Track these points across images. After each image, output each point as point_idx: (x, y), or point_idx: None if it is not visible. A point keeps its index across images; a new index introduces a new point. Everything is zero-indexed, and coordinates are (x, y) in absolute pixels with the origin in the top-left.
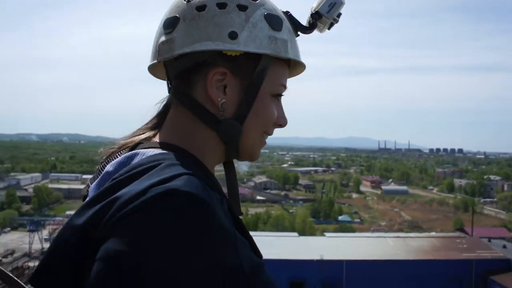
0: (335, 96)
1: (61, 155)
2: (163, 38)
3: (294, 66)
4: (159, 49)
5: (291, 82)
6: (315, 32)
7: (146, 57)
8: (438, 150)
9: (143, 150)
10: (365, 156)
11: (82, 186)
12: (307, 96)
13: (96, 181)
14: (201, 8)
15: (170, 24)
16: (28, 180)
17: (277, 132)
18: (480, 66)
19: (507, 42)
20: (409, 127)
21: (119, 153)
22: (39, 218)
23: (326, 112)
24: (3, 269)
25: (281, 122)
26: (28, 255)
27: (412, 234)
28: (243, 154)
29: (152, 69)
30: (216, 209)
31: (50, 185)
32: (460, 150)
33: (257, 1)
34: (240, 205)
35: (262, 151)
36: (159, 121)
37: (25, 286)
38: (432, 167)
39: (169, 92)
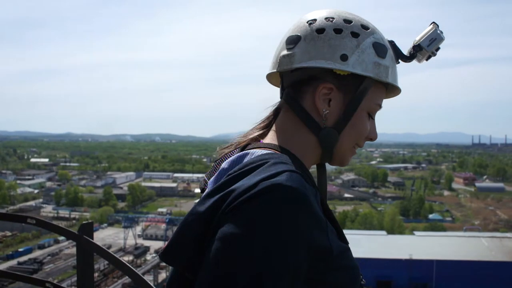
0: (425, 90)
1: (154, 155)
2: (284, 52)
3: (391, 90)
4: (280, 61)
5: None
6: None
7: (238, 58)
8: None
9: (252, 150)
10: (457, 151)
11: (174, 184)
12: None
13: (214, 176)
14: (320, 31)
15: (292, 41)
16: (123, 179)
17: None
18: None
19: None
20: (506, 121)
21: (231, 152)
22: (133, 215)
23: (415, 107)
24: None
25: (372, 136)
26: (123, 250)
27: (508, 234)
28: (336, 159)
29: (269, 77)
30: (312, 200)
31: (143, 184)
32: None
33: (368, 30)
34: (327, 200)
35: None
36: (269, 123)
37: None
38: None
39: (281, 98)
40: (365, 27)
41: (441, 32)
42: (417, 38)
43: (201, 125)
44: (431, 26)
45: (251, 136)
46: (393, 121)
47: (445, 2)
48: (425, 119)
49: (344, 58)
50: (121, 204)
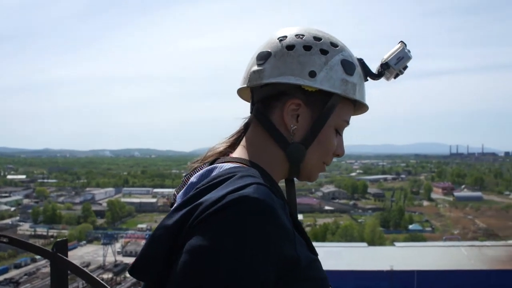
0: (402, 101)
1: (133, 170)
2: (255, 68)
3: (359, 107)
4: (250, 76)
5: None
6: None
7: (216, 72)
8: None
9: (220, 164)
10: (435, 162)
11: (154, 200)
12: (373, 103)
13: (183, 190)
14: (290, 47)
15: (262, 57)
16: (102, 195)
17: (345, 141)
18: None
19: None
20: (482, 130)
21: (201, 166)
22: (112, 232)
23: (393, 118)
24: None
25: (339, 152)
26: (102, 268)
27: (487, 243)
28: (303, 174)
29: (240, 92)
30: (279, 212)
31: (122, 199)
32: None
33: (337, 48)
34: (297, 214)
35: None
36: (238, 137)
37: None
38: (508, 171)
39: (251, 113)
40: (334, 44)
41: (409, 51)
42: (385, 57)
43: (181, 140)
44: (399, 45)
45: (220, 150)
46: (372, 132)
47: (425, 14)
48: (403, 130)
49: (312, 74)
50: (100, 221)
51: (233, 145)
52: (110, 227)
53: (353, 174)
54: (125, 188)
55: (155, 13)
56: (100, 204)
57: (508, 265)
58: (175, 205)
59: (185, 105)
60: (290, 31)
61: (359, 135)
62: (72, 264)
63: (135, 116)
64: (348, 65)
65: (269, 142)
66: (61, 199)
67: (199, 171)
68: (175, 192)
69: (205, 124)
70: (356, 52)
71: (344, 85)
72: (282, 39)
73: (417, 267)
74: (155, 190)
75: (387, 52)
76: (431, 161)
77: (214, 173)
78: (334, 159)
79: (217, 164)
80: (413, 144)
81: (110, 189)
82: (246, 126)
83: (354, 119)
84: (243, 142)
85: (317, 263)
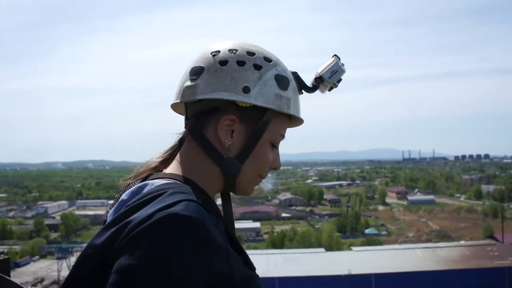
0: (355, 109)
1: (87, 182)
2: (188, 83)
3: (294, 120)
4: (183, 92)
5: (311, 97)
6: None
7: (168, 82)
8: (464, 156)
9: (152, 181)
10: (389, 167)
11: None
12: (327, 110)
13: (113, 208)
14: (223, 62)
15: (196, 72)
16: (56, 208)
17: (300, 148)
18: (502, 69)
19: None
20: (433, 136)
21: (133, 183)
22: (67, 246)
23: (347, 125)
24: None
25: (275, 165)
26: (57, 283)
27: (441, 244)
28: (239, 189)
29: (174, 106)
30: (210, 228)
31: (77, 212)
32: (487, 156)
33: (271, 63)
34: (234, 228)
35: (286, 167)
36: (173, 152)
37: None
38: (458, 174)
39: (185, 128)
40: (267, 59)
41: (343, 65)
42: (319, 70)
43: (136, 151)
44: (333, 58)
45: (153, 166)
46: (327, 139)
47: (374, 23)
48: (357, 136)
49: (246, 90)
50: (53, 235)
51: (166, 161)
52: (64, 241)
53: (309, 181)
54: (79, 201)
55: (108, 24)
56: (53, 218)
57: (461, 265)
58: (107, 222)
59: (140, 116)
60: (223, 46)
61: (314, 142)
62: (15, 284)
63: (88, 127)
64: (282, 80)
65: (204, 157)
66: (11, 213)
67: (131, 187)
68: (108, 209)
69: (161, 135)
70: (305, 62)
71: (278, 100)
72: (215, 54)
73: (374, 271)
74: (110, 202)
75: (322, 65)
76: (385, 167)
77: (145, 190)
78: (289, 166)
79: (149, 181)
80: (367, 150)
81: (64, 202)
82: (181, 142)
83: (309, 127)
84: (177, 157)
85: (254, 278)
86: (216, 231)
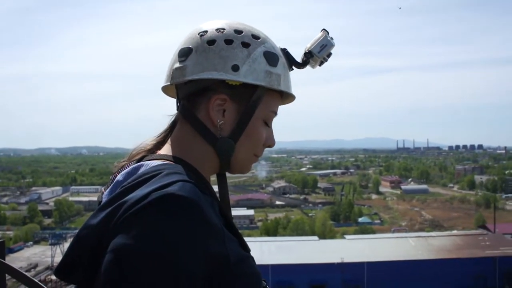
0: (350, 97)
1: (81, 168)
2: (177, 65)
3: (286, 97)
4: (173, 74)
5: (307, 85)
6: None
7: (162, 69)
8: (457, 147)
9: (147, 161)
10: (383, 156)
11: None
12: (323, 99)
13: (108, 188)
14: (211, 42)
15: (184, 53)
16: (49, 194)
17: (295, 136)
18: (497, 60)
19: None
20: (427, 125)
21: (128, 164)
22: (60, 232)
23: (342, 114)
24: (13, 266)
25: (270, 143)
26: (51, 269)
27: (433, 234)
28: (235, 168)
29: (165, 89)
30: (205, 209)
31: (70, 198)
32: (480, 146)
33: (259, 40)
34: (230, 210)
35: (280, 155)
36: (167, 135)
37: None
38: (451, 164)
39: (177, 110)
40: (255, 36)
41: (332, 39)
42: (308, 45)
43: (130, 137)
44: (321, 33)
45: (147, 148)
46: (322, 128)
47: (372, 12)
48: (352, 125)
49: (235, 68)
50: (47, 221)
51: (161, 143)
52: (58, 227)
53: (303, 169)
54: (73, 187)
55: (105, 9)
56: (47, 204)
57: (453, 254)
58: (102, 202)
59: (135, 102)
60: (210, 26)
61: (309, 130)
62: (10, 267)
63: (82, 113)
64: (271, 57)
65: (197, 138)
66: (5, 199)
67: (126, 169)
68: (103, 190)
69: (155, 121)
70: (301, 51)
71: (268, 76)
72: (202, 34)
73: (367, 259)
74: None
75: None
76: (379, 156)
77: (140, 171)
78: (284, 154)
79: (144, 162)
80: (362, 139)
81: (57, 188)
82: (173, 124)
83: (304, 115)
84: (171, 139)
85: (249, 259)
86: (211, 211)
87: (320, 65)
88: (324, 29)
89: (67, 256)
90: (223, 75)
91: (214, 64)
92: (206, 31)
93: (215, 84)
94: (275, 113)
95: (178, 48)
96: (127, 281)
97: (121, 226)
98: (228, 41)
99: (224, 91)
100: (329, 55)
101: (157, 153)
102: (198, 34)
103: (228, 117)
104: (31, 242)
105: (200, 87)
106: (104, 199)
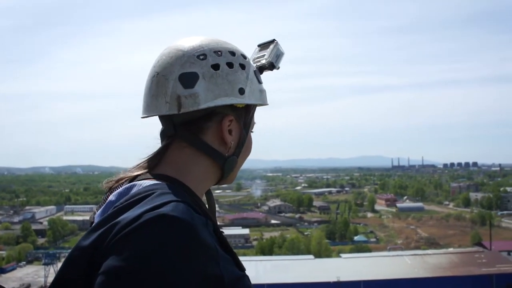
0: (345, 116)
1: (75, 187)
2: (184, 92)
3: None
4: (182, 102)
5: (303, 103)
6: (332, 52)
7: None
8: (452, 164)
9: (140, 181)
10: (378, 174)
11: None
12: (317, 117)
13: (101, 209)
14: (216, 67)
15: (189, 79)
16: (43, 213)
17: (290, 155)
18: (491, 78)
19: None
20: (422, 143)
21: (120, 185)
22: (54, 251)
23: (337, 132)
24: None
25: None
26: None
27: (429, 251)
28: (230, 179)
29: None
30: (199, 229)
31: (64, 217)
32: (475, 164)
33: (247, 60)
34: (216, 219)
35: (275, 174)
36: (160, 156)
37: None
38: (447, 182)
39: (165, 134)
40: (244, 56)
41: (281, 48)
42: (266, 56)
43: (125, 156)
44: (274, 43)
45: (140, 168)
46: (316, 146)
47: (363, 32)
48: (346, 143)
49: (241, 91)
50: (41, 240)
51: (154, 164)
52: (51, 246)
53: (298, 187)
54: (67, 206)
55: (100, 28)
56: (41, 223)
57: (449, 272)
58: (94, 223)
59: (130, 121)
60: (205, 46)
61: (304, 149)
62: (2, 287)
63: (77, 132)
64: (258, 74)
65: (200, 159)
66: None
67: (119, 189)
68: (95, 210)
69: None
70: (298, 70)
71: (261, 94)
72: (202, 57)
73: (363, 278)
74: None
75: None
76: (374, 174)
77: (133, 191)
78: (279, 173)
79: (137, 182)
80: (357, 158)
81: (51, 207)
82: (166, 148)
83: (299, 134)
84: (167, 161)
85: (244, 278)
86: (206, 232)
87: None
88: (274, 39)
89: (59, 276)
90: (233, 99)
91: (224, 90)
92: (205, 55)
93: (222, 107)
94: (255, 122)
95: (171, 72)
96: None
97: (113, 247)
98: (230, 64)
99: (231, 113)
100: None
101: (150, 173)
102: (197, 57)
103: (234, 136)
104: (24, 262)
105: (207, 112)
106: (96, 219)
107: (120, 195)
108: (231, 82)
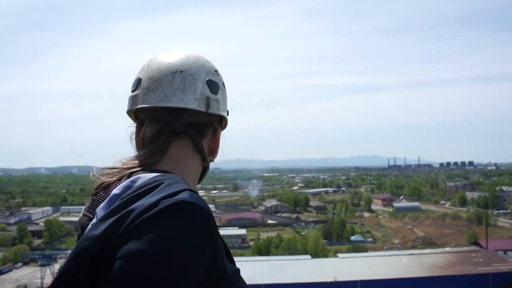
0: (341, 116)
1: (72, 188)
2: (212, 96)
3: None
4: (211, 104)
5: (298, 103)
6: (330, 49)
7: None
8: (448, 164)
9: (143, 174)
10: (375, 174)
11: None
12: (314, 117)
13: (105, 201)
14: (223, 85)
15: (215, 88)
16: (39, 214)
17: (286, 155)
18: (486, 77)
19: None
20: (418, 143)
21: (116, 182)
22: (50, 252)
23: (333, 132)
24: None
25: None
26: None
27: (426, 251)
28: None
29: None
30: (213, 218)
31: (61, 218)
32: (471, 163)
33: (220, 75)
34: None
35: (271, 174)
36: (162, 154)
37: None
38: (443, 181)
39: (173, 130)
40: (219, 73)
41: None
42: None
43: (122, 157)
44: None
45: (137, 163)
46: (313, 146)
47: (359, 31)
48: (343, 143)
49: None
50: (37, 241)
51: (155, 160)
52: (48, 247)
53: (295, 187)
54: (63, 207)
55: (97, 28)
56: (37, 224)
57: (446, 271)
58: (97, 217)
59: (128, 121)
60: (210, 65)
61: (300, 149)
62: None
63: (73, 132)
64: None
65: (196, 161)
66: None
67: (123, 183)
68: (85, 212)
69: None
70: (301, 68)
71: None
72: (218, 73)
73: (360, 277)
74: None
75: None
76: (371, 174)
77: (138, 183)
78: (275, 173)
79: (140, 175)
80: (353, 157)
81: (48, 208)
82: (167, 144)
83: (295, 134)
84: (169, 157)
85: (239, 273)
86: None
87: None
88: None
89: (64, 271)
90: (225, 113)
91: (226, 105)
92: (216, 71)
93: (217, 118)
94: None
95: (199, 74)
96: (142, 285)
97: (132, 233)
98: (223, 84)
99: (218, 126)
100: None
101: (152, 168)
102: (215, 71)
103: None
104: (21, 264)
105: (210, 119)
106: (100, 212)
107: (125, 188)
108: (226, 98)
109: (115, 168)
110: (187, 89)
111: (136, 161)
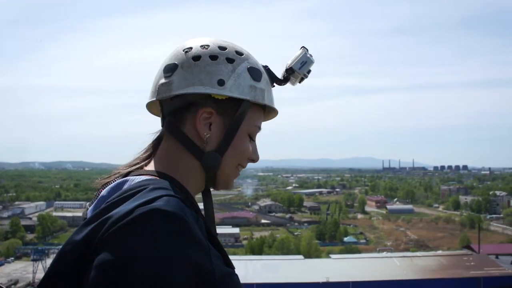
0: (338, 117)
1: (66, 183)
2: (162, 80)
3: (269, 112)
4: (159, 90)
5: (295, 104)
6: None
7: (148, 84)
8: (442, 167)
9: (132, 177)
10: (369, 176)
11: None
12: (310, 118)
13: (93, 204)
14: (196, 58)
15: (169, 69)
16: (33, 209)
17: (281, 155)
18: (481, 81)
19: None
20: (413, 146)
21: (113, 180)
22: (43, 247)
23: (329, 133)
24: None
25: (254, 157)
26: (32, 285)
27: (418, 253)
28: (219, 183)
29: (149, 106)
30: (191, 224)
31: (54, 213)
32: (465, 167)
33: (243, 56)
34: (215, 227)
35: (266, 174)
36: (152, 151)
37: None
38: (437, 184)
39: (162, 126)
40: (239, 53)
41: (311, 56)
42: (289, 62)
43: (116, 153)
44: (301, 50)
45: (132, 164)
46: (308, 147)
47: (359, 33)
48: (338, 144)
49: (221, 83)
50: (30, 236)
51: (146, 159)
52: (40, 242)
53: (289, 187)
54: (57, 202)
55: (93, 24)
56: (30, 219)
57: (438, 274)
58: (87, 218)
59: (121, 117)
60: (195, 43)
61: (296, 149)
62: None
63: (68, 127)
64: (254, 72)
65: (183, 153)
66: None
67: (111, 184)
68: (88, 206)
69: (142, 137)
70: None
71: (253, 91)
72: (187, 50)
73: (352, 278)
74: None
75: (291, 57)
76: (365, 175)
77: (125, 186)
78: (270, 172)
79: (129, 177)
80: (348, 159)
81: (41, 203)
82: (158, 141)
83: (290, 134)
84: (156, 155)
85: (234, 276)
86: (196, 227)
87: (300, 82)
88: (303, 47)
89: (50, 272)
90: (209, 89)
91: (200, 79)
92: (191, 48)
93: (201, 98)
94: (259, 128)
95: (162, 65)
96: None
97: (105, 241)
98: (213, 57)
99: (211, 105)
100: (309, 71)
101: (142, 169)
102: (183, 50)
103: (214, 130)
104: (13, 258)
105: (186, 101)
106: (89, 215)
107: (112, 191)
108: (209, 72)
109: (123, 168)
110: (153, 84)
111: (134, 161)
